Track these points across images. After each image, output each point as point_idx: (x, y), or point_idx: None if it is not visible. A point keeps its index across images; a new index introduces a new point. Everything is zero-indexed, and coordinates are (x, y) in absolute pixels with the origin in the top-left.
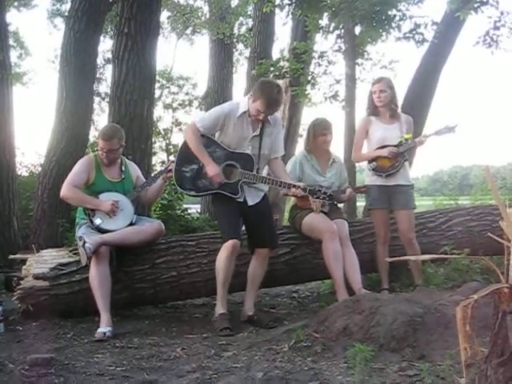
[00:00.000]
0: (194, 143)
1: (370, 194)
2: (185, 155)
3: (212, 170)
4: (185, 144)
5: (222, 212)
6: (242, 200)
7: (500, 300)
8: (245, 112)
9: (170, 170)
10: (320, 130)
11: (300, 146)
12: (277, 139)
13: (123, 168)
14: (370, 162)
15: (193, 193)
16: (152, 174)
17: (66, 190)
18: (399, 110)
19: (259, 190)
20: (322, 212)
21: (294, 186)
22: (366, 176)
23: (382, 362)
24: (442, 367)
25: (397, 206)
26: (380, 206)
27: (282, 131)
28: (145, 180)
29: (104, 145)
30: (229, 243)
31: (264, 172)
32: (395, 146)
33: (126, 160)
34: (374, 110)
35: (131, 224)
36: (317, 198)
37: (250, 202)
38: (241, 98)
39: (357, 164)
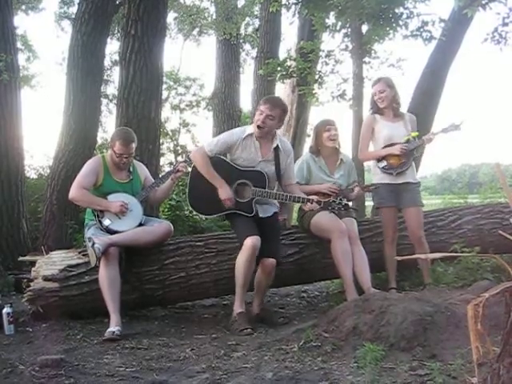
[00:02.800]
0: (203, 167)
1: (379, 192)
2: (196, 177)
3: (224, 193)
4: (194, 168)
5: (237, 219)
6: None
7: (511, 298)
8: (251, 134)
9: (179, 171)
10: (323, 126)
11: (307, 146)
12: (289, 168)
13: (131, 169)
14: (378, 160)
15: (207, 215)
16: (160, 175)
17: (74, 192)
18: (401, 109)
19: (272, 206)
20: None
21: (309, 201)
22: (373, 174)
23: (392, 361)
24: (453, 366)
25: (405, 204)
26: (388, 204)
27: (293, 160)
28: (153, 180)
29: (124, 150)
30: (248, 243)
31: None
32: (404, 143)
33: (134, 161)
34: (377, 110)
35: (140, 225)
36: (332, 209)
37: (261, 214)
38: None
39: (365, 163)
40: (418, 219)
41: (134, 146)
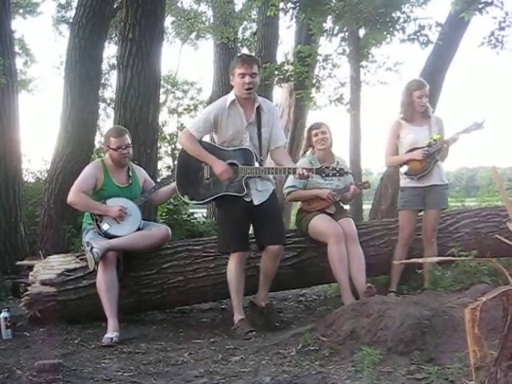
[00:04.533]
0: (191, 147)
1: (403, 195)
2: (183, 165)
3: (219, 167)
4: (182, 153)
5: (225, 222)
6: (248, 199)
7: (509, 302)
8: (233, 101)
9: None
10: (310, 131)
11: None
12: (275, 127)
13: (130, 173)
14: (401, 165)
15: (198, 201)
16: (159, 179)
17: (73, 196)
18: (431, 111)
19: (265, 189)
20: (328, 213)
21: (300, 169)
22: (400, 178)
23: (390, 365)
24: (451, 370)
25: (429, 206)
26: (412, 207)
27: (280, 120)
28: (153, 182)
29: (120, 142)
30: (235, 254)
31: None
32: (425, 147)
33: (133, 165)
34: (411, 115)
35: (138, 229)
36: (326, 175)
37: (256, 202)
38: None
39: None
40: (434, 221)
41: (127, 137)
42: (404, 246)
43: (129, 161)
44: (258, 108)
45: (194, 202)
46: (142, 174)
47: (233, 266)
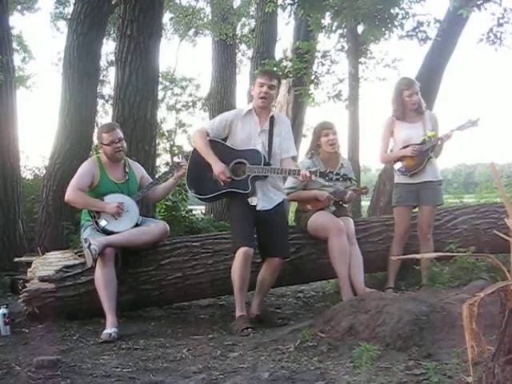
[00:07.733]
0: (200, 144)
1: (398, 191)
2: (195, 161)
3: (217, 167)
4: (195, 150)
5: (236, 218)
6: (255, 203)
7: (506, 298)
8: (250, 110)
9: (182, 167)
10: (321, 130)
11: (304, 146)
12: (287, 139)
13: (127, 169)
14: (395, 162)
15: (205, 196)
16: (156, 176)
17: (70, 194)
18: (424, 108)
19: (272, 197)
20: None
21: (304, 171)
22: (394, 175)
23: (388, 361)
24: (449, 366)
25: (423, 202)
26: (406, 203)
27: (291, 131)
28: (150, 179)
29: (112, 136)
30: (240, 252)
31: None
32: (419, 144)
33: (130, 160)
34: (403, 113)
35: (136, 225)
36: (329, 179)
37: (259, 207)
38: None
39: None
40: (429, 217)
41: (119, 131)
42: (400, 242)
43: (124, 155)
44: (272, 118)
45: (200, 196)
46: (139, 170)
47: (238, 265)
